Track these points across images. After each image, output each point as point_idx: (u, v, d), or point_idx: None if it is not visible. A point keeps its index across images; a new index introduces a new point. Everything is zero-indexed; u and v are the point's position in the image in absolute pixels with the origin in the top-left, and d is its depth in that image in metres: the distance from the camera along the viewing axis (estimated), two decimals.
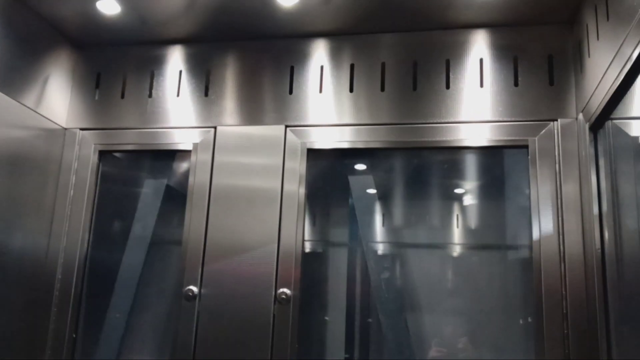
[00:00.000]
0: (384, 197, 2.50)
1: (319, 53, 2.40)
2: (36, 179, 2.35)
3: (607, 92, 1.74)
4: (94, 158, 2.48)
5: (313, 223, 2.51)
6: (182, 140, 2.41)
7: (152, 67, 2.53)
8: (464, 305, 2.37)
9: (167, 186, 2.53)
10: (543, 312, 2.00)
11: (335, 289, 2.49)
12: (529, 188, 2.12)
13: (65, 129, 2.52)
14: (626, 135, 1.78)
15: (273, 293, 2.16)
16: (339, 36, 2.39)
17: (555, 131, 2.14)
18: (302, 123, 2.33)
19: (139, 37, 2.51)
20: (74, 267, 2.37)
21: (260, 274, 2.18)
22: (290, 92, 2.37)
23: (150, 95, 2.49)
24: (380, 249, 2.44)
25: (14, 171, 2.21)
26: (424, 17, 2.25)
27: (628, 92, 1.66)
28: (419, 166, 2.54)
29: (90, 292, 2.42)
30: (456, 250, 2.46)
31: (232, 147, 2.34)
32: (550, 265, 2.03)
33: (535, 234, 2.07)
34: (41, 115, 2.37)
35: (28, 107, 2.29)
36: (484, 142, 2.19)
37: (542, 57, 2.22)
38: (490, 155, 2.39)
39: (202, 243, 2.26)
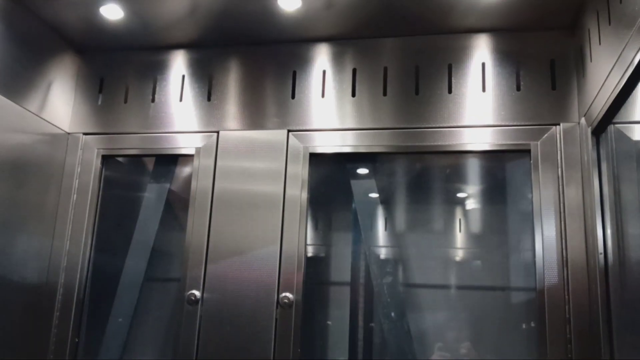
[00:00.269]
0: (387, 201, 2.50)
1: (321, 58, 2.40)
2: (39, 184, 2.35)
3: (609, 97, 1.74)
4: (96, 162, 2.48)
5: (315, 227, 2.51)
6: (184, 144, 2.42)
7: (155, 72, 2.53)
8: (466, 309, 2.37)
9: (170, 190, 2.53)
10: (546, 316, 1.99)
11: (338, 293, 2.48)
12: (532, 192, 2.12)
13: (69, 133, 2.53)
14: (628, 139, 1.78)
15: (275, 297, 2.16)
16: (341, 41, 2.40)
17: (558, 135, 2.14)
18: (304, 127, 2.33)
19: (142, 42, 2.52)
20: (76, 271, 2.37)
21: (263, 278, 2.18)
22: (293, 96, 2.38)
23: (153, 100, 2.50)
24: (383, 253, 2.44)
25: (17, 176, 2.22)
26: (426, 21, 2.26)
27: (630, 96, 1.66)
28: (421, 171, 2.54)
29: (93, 296, 2.42)
30: (459, 255, 2.46)
31: (234, 151, 2.35)
32: (553, 270, 2.02)
33: (538, 238, 2.07)
34: (44, 120, 2.38)
35: (31, 112, 2.30)
36: (486, 146, 2.19)
37: (544, 62, 2.22)
38: (493, 160, 2.38)
39: (205, 247, 2.26)
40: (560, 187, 2.09)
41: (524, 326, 2.24)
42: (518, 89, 2.21)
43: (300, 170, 2.28)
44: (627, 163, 1.78)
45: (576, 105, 2.15)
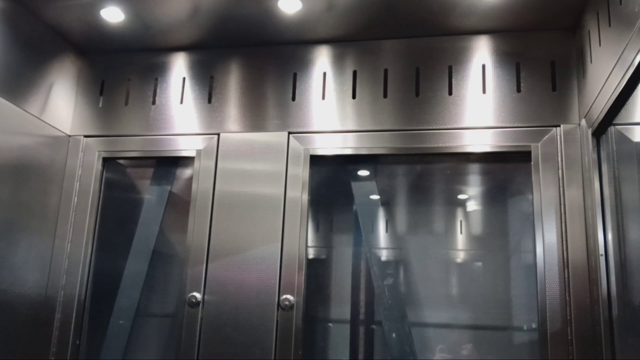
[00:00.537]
0: (387, 203, 2.49)
1: (322, 60, 2.41)
2: (40, 186, 2.36)
3: (609, 98, 1.74)
4: (97, 165, 2.49)
5: (316, 229, 2.51)
6: (185, 147, 2.42)
7: (155, 74, 2.54)
8: (468, 311, 2.36)
9: (171, 193, 2.54)
10: (547, 317, 1.99)
11: (339, 295, 2.48)
12: (532, 194, 2.12)
13: (70, 136, 2.53)
14: (629, 140, 1.78)
15: (276, 299, 2.16)
16: (342, 43, 2.40)
17: (558, 137, 2.14)
18: (305, 129, 2.34)
19: (143, 44, 2.52)
20: (77, 274, 2.37)
21: (264, 280, 2.18)
22: (293, 98, 2.38)
23: (154, 102, 2.50)
24: (384, 255, 2.44)
25: (18, 178, 2.22)
26: (426, 23, 2.26)
27: (630, 98, 1.66)
28: (421, 172, 2.54)
29: (94, 298, 2.42)
30: (460, 256, 2.45)
31: (235, 153, 2.35)
32: (554, 271, 2.02)
33: (539, 240, 2.06)
34: (45, 122, 2.39)
35: (32, 115, 2.30)
36: (486, 148, 2.19)
37: (545, 63, 2.22)
38: (493, 161, 2.38)
39: (206, 249, 2.26)
40: (561, 188, 2.09)
41: (525, 327, 2.24)
42: (518, 90, 2.21)
43: (301, 172, 2.28)
44: (627, 164, 1.78)
45: (577, 107, 2.15)
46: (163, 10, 2.25)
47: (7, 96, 2.16)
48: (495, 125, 2.20)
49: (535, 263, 2.06)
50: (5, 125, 2.16)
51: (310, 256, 2.40)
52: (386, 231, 2.47)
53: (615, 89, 1.67)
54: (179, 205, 2.49)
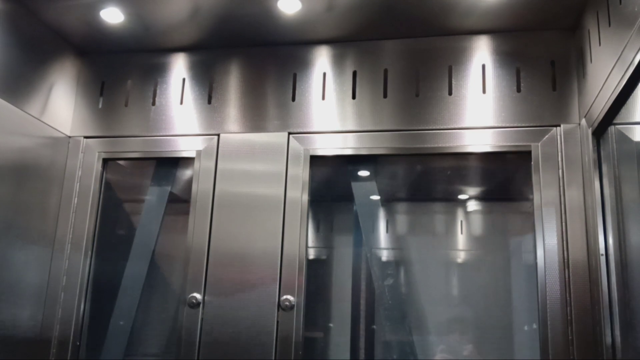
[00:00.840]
0: (388, 203, 2.49)
1: (322, 60, 2.40)
2: (40, 187, 2.36)
3: (609, 97, 1.74)
4: (97, 166, 2.48)
5: (317, 230, 2.51)
6: (185, 147, 2.42)
7: (155, 75, 2.54)
8: (468, 311, 2.36)
9: (171, 193, 2.54)
10: (548, 318, 1.99)
11: (339, 295, 2.48)
12: (532, 194, 2.11)
13: (70, 137, 2.53)
14: (629, 140, 1.78)
15: (277, 300, 2.16)
16: (342, 43, 2.40)
17: (558, 137, 2.14)
18: (305, 130, 2.33)
19: (142, 45, 2.52)
20: (78, 274, 2.37)
21: (264, 280, 2.18)
22: (293, 99, 2.38)
23: (153, 103, 2.50)
24: (384, 255, 2.44)
25: (18, 179, 2.22)
26: (426, 23, 2.26)
27: (630, 97, 1.66)
28: (422, 172, 2.54)
29: (95, 299, 2.42)
30: (460, 256, 2.45)
31: (235, 154, 2.35)
32: (555, 271, 2.02)
33: (539, 240, 2.06)
34: (45, 123, 2.38)
35: (32, 116, 2.30)
36: (486, 148, 2.19)
37: (545, 63, 2.22)
38: (494, 161, 2.38)
39: (206, 250, 2.26)
40: (561, 188, 2.09)
41: (526, 328, 2.24)
42: (518, 90, 2.21)
43: (301, 173, 2.28)
44: (628, 164, 1.78)
45: (577, 107, 2.15)
46: (163, 11, 2.25)
47: (7, 97, 2.16)
48: (495, 125, 2.20)
49: (536, 263, 2.06)
50: (5, 126, 2.16)
51: (311, 257, 2.41)
52: (386, 231, 2.48)
53: (615, 88, 1.67)
54: (179, 206, 2.49)
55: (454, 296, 2.41)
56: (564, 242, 2.04)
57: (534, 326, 2.12)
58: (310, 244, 2.32)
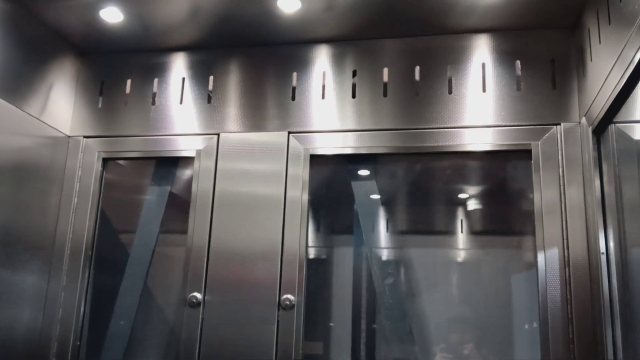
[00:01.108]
0: (388, 202, 2.49)
1: (322, 59, 2.40)
2: (40, 187, 2.36)
3: (609, 96, 1.74)
4: (97, 165, 2.48)
5: (317, 229, 2.50)
6: (185, 147, 2.42)
7: (155, 74, 2.54)
8: (469, 310, 2.36)
9: (171, 193, 2.54)
10: (548, 316, 1.99)
11: (340, 294, 2.48)
12: (533, 193, 2.11)
13: (69, 136, 2.53)
14: (629, 138, 1.77)
15: (277, 299, 2.16)
16: (341, 42, 2.40)
17: (558, 135, 2.14)
18: (305, 129, 2.33)
19: (142, 44, 2.52)
20: (78, 273, 2.37)
21: (264, 280, 2.18)
22: (293, 98, 2.38)
23: (153, 103, 2.50)
24: (385, 254, 2.44)
25: (18, 179, 2.22)
26: (426, 22, 2.26)
27: (630, 96, 1.66)
28: (422, 171, 2.54)
29: (95, 299, 2.42)
30: (460, 256, 2.45)
31: (235, 153, 2.35)
32: (555, 270, 2.02)
33: (539, 239, 2.06)
34: (45, 123, 2.38)
35: (32, 116, 2.30)
36: (486, 147, 2.19)
37: (545, 62, 2.22)
38: (494, 160, 2.38)
39: (206, 250, 2.26)
40: (562, 186, 2.09)
41: (526, 326, 2.24)
42: (518, 89, 2.21)
43: (301, 172, 2.28)
44: (628, 162, 1.78)
45: (577, 105, 2.15)
46: (163, 10, 2.25)
47: (7, 97, 2.16)
48: (495, 124, 2.20)
49: (536, 262, 2.05)
50: (4, 126, 2.16)
51: (311, 256, 2.40)
52: (387, 231, 2.47)
53: (616, 87, 1.67)
54: (179, 206, 2.49)
55: (454, 295, 2.41)
56: (564, 240, 2.04)
57: (535, 325, 2.12)
58: (310, 243, 2.31)
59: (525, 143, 2.16)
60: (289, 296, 2.15)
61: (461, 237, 2.44)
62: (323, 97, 2.36)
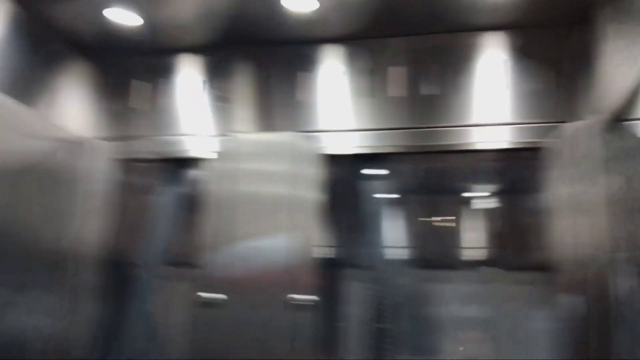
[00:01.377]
0: (401, 201, 2.49)
1: (332, 59, 2.41)
2: (53, 188, 2.37)
3: (620, 94, 1.74)
4: (110, 167, 2.50)
5: (329, 229, 2.51)
6: (197, 148, 2.43)
7: (166, 75, 2.55)
8: (477, 310, 2.37)
9: (183, 193, 2.55)
10: (562, 314, 1.99)
11: (353, 293, 2.48)
12: (544, 189, 2.11)
13: (83, 138, 2.55)
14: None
15: (291, 298, 2.17)
16: (353, 41, 2.40)
17: (569, 133, 2.13)
18: (315, 129, 2.34)
19: (155, 46, 2.53)
20: (90, 273, 2.38)
21: (277, 279, 2.19)
22: (304, 98, 2.39)
23: (166, 104, 2.51)
24: (398, 254, 2.44)
25: (31, 181, 2.23)
26: (436, 21, 2.26)
27: None
28: (434, 170, 2.54)
29: (107, 298, 2.43)
30: (474, 254, 2.45)
31: (247, 153, 2.35)
32: (567, 267, 2.02)
33: (551, 236, 2.06)
34: (59, 125, 2.40)
35: (46, 118, 2.32)
36: (497, 144, 2.20)
37: (554, 59, 2.22)
38: (505, 157, 2.38)
39: (218, 249, 2.27)
40: (572, 184, 2.09)
41: (538, 325, 2.24)
42: (528, 86, 2.21)
43: (313, 172, 2.28)
44: (638, 159, 1.78)
45: (587, 103, 2.15)
46: (173, 12, 2.27)
47: (21, 100, 2.18)
48: (505, 121, 2.20)
49: (548, 258, 2.05)
50: (18, 128, 2.18)
51: (324, 255, 2.41)
52: (400, 229, 2.47)
53: (626, 84, 1.67)
54: (191, 206, 2.50)
55: (468, 295, 2.40)
56: (575, 237, 2.04)
57: (543, 323, 2.12)
58: (322, 243, 2.32)
59: (535, 140, 2.15)
60: (303, 295, 2.15)
61: (474, 235, 2.44)
62: (335, 96, 2.37)
